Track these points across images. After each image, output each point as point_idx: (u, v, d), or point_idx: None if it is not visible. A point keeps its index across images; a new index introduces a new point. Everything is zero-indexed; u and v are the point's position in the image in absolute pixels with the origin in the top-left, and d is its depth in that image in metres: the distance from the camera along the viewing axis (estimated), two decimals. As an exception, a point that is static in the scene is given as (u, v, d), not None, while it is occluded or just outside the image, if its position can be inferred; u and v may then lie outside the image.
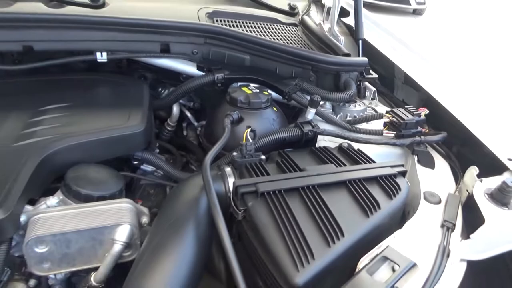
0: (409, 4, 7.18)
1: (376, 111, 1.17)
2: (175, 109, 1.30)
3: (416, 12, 7.39)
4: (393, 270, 0.68)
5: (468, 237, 0.79)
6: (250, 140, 0.89)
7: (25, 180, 0.75)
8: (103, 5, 1.18)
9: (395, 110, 1.02)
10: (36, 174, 0.78)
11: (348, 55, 1.22)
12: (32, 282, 0.80)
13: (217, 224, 0.69)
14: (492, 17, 7.64)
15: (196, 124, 1.38)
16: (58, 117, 0.94)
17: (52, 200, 0.80)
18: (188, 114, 1.38)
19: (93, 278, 0.78)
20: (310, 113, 1.06)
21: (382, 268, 0.67)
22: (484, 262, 0.77)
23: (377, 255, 0.69)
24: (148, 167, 1.09)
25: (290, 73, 1.20)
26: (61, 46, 1.08)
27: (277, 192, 0.74)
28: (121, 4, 1.21)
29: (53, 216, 0.75)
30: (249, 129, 0.91)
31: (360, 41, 1.29)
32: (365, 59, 1.20)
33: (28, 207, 0.77)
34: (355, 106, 1.17)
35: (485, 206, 0.79)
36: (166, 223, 0.74)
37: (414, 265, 0.68)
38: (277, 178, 0.78)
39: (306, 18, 1.45)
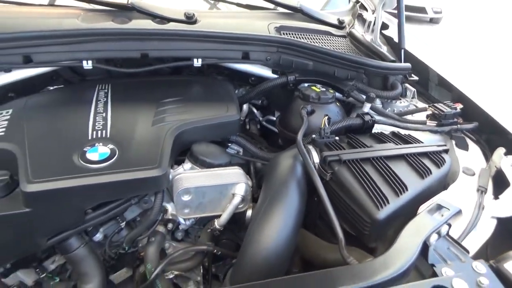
0: (426, 13, 7.43)
1: (416, 107, 1.44)
2: (245, 106, 1.59)
3: (432, 21, 7.62)
4: (442, 216, 0.94)
5: (497, 198, 1.05)
6: (327, 125, 1.16)
7: (169, 151, 1.04)
8: (195, 22, 1.47)
9: (435, 104, 1.29)
10: (173, 147, 1.07)
11: (394, 61, 1.49)
12: (169, 225, 1.09)
13: (315, 180, 0.96)
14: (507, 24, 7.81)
15: (261, 118, 1.66)
16: (175, 107, 1.22)
17: (186, 166, 1.08)
18: (255, 110, 1.66)
19: (216, 222, 1.06)
20: (366, 107, 1.33)
21: (436, 213, 0.93)
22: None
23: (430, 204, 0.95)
24: (232, 150, 1.37)
25: (346, 76, 1.47)
26: (168, 54, 1.37)
27: (355, 160, 1.02)
28: (209, 20, 1.50)
29: (192, 175, 1.04)
30: (327, 117, 1.19)
31: (402, 50, 1.56)
32: (408, 65, 1.48)
33: (170, 170, 1.06)
34: (400, 102, 1.45)
35: (511, 173, 1.05)
36: (273, 186, 1.01)
37: (460, 211, 0.94)
38: (352, 151, 1.06)
39: (353, 30, 1.73)
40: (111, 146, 1.02)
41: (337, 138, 1.15)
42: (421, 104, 1.48)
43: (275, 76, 1.47)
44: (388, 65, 1.45)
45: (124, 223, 1.07)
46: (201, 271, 1.16)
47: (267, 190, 1.01)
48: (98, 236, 1.05)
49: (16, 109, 1.15)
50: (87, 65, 1.28)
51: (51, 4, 1.52)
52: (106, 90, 1.27)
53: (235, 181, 1.05)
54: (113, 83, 1.32)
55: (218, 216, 1.08)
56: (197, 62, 1.39)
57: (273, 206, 0.96)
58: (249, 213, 1.12)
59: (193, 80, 1.45)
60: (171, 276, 1.09)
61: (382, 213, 0.89)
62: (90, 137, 1.04)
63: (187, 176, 1.04)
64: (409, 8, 6.55)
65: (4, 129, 1.05)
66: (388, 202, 0.91)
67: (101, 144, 1.02)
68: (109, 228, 1.08)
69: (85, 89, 1.29)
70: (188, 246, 1.12)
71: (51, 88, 1.37)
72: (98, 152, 0.99)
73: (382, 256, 0.76)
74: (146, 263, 1.04)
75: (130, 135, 1.07)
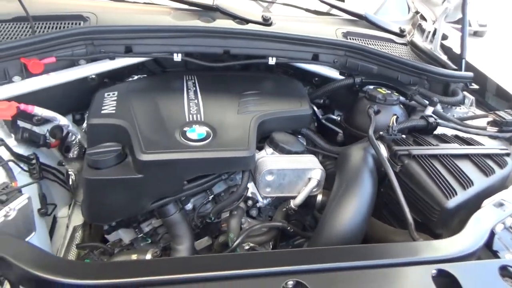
0: (470, 26, 7.33)
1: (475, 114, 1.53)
2: None
3: (477, 34, 7.52)
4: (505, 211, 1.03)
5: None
6: (395, 124, 1.27)
7: (254, 136, 1.18)
8: (271, 24, 1.61)
9: (497, 112, 1.37)
10: (256, 134, 1.21)
11: (456, 70, 1.58)
12: (249, 202, 1.23)
13: (387, 170, 1.08)
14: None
15: (321, 116, 1.78)
16: (256, 99, 1.37)
17: (268, 151, 1.22)
18: (315, 108, 1.78)
19: (292, 203, 1.19)
20: (429, 111, 1.43)
21: (500, 207, 1.03)
22: None
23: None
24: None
25: (408, 81, 1.58)
26: (247, 52, 1.52)
27: (424, 155, 1.13)
28: (283, 23, 1.64)
29: (274, 159, 1.18)
30: (395, 116, 1.29)
31: (464, 60, 1.64)
32: (470, 74, 1.56)
33: (255, 153, 1.20)
34: (460, 109, 1.53)
35: None
36: (348, 175, 1.13)
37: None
38: (421, 148, 1.16)
39: (414, 39, 1.82)
40: (206, 128, 1.17)
41: (403, 136, 1.26)
42: (478, 112, 1.56)
43: (342, 77, 1.58)
44: (451, 73, 1.54)
45: (211, 196, 1.22)
46: (270, 246, 1.29)
47: (341, 177, 1.13)
48: (189, 206, 1.21)
49: (121, 91, 1.32)
50: (177, 57, 1.45)
51: (146, 2, 1.70)
52: (193, 81, 1.43)
53: (312, 166, 1.18)
54: (198, 75, 1.48)
55: (293, 198, 1.21)
56: (272, 61, 1.53)
57: (348, 192, 1.08)
58: (319, 197, 1.24)
59: (267, 76, 1.59)
60: (246, 248, 1.23)
61: (451, 203, 0.99)
62: (187, 119, 1.20)
63: (270, 159, 1.18)
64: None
65: (114, 108, 1.22)
66: (456, 194, 1.01)
67: (197, 125, 1.17)
68: (198, 200, 1.23)
69: (174, 79, 1.45)
70: (262, 223, 1.25)
71: (136, 76, 1.54)
72: (196, 132, 1.15)
73: (454, 237, 0.87)
74: (229, 233, 1.18)
75: (220, 120, 1.22)
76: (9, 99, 1.21)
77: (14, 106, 1.16)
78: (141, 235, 1.23)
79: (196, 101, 1.30)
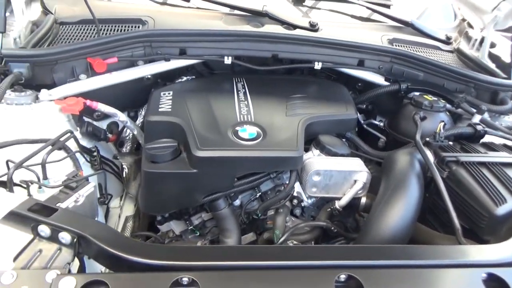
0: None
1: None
2: None
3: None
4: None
5: None
6: (442, 131, 1.28)
7: (302, 138, 1.22)
8: (318, 30, 1.65)
9: (548, 122, 1.35)
10: (304, 135, 1.25)
11: (506, 78, 1.56)
12: (294, 201, 1.28)
13: (435, 175, 1.09)
14: None
15: (363, 121, 1.80)
16: (303, 102, 1.41)
17: (315, 152, 1.26)
18: (358, 113, 1.80)
19: (337, 203, 1.23)
20: (476, 118, 1.42)
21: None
22: None
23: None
24: None
25: (455, 89, 1.57)
26: (294, 56, 1.57)
27: (472, 162, 1.13)
28: (330, 29, 1.68)
29: (321, 160, 1.22)
30: (443, 123, 1.30)
31: (513, 69, 1.62)
32: (518, 83, 1.55)
33: (302, 154, 1.24)
34: (509, 117, 1.52)
35: None
36: (394, 178, 1.15)
37: None
38: (470, 155, 1.17)
39: (461, 47, 1.81)
40: (256, 128, 1.22)
41: (450, 143, 1.27)
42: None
43: (387, 83, 1.60)
44: (500, 81, 1.53)
45: (259, 194, 1.27)
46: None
47: (388, 181, 1.16)
48: (237, 202, 1.27)
49: (176, 91, 1.40)
50: (227, 60, 1.52)
51: (199, 7, 1.78)
52: (242, 83, 1.49)
53: (359, 169, 1.21)
54: (247, 78, 1.54)
55: (338, 199, 1.24)
56: (317, 65, 1.58)
57: (395, 196, 1.10)
58: (363, 200, 1.27)
59: (313, 80, 1.63)
60: (290, 245, 1.27)
61: (501, 210, 0.99)
62: (239, 119, 1.26)
63: (318, 160, 1.22)
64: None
65: (170, 106, 1.30)
66: (506, 201, 1.01)
67: (248, 125, 1.23)
68: (245, 197, 1.29)
69: (225, 81, 1.52)
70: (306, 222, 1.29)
71: (185, 78, 1.61)
72: (247, 132, 1.20)
73: (504, 242, 0.88)
74: (275, 229, 1.23)
75: (270, 121, 1.27)
76: (76, 95, 1.31)
77: (81, 102, 1.26)
78: (191, 227, 1.30)
79: (246, 102, 1.36)
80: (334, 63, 1.60)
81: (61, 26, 1.52)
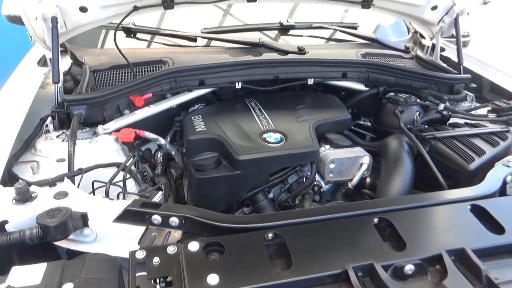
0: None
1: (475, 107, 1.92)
2: None
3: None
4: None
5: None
6: (419, 118, 1.66)
7: (315, 137, 1.55)
8: (305, 53, 2.02)
9: (494, 102, 1.76)
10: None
11: (458, 73, 1.99)
12: (315, 188, 1.60)
13: (420, 148, 1.46)
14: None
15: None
16: (307, 111, 1.75)
17: (326, 147, 1.60)
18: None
19: (350, 184, 1.56)
20: (441, 107, 1.82)
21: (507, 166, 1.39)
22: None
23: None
24: None
25: (420, 86, 1.98)
26: (291, 76, 1.93)
27: (445, 137, 1.51)
28: (314, 51, 2.06)
29: (333, 151, 1.56)
30: (418, 112, 1.69)
31: (461, 66, 2.05)
32: (469, 76, 1.97)
33: (316, 150, 1.58)
34: (464, 103, 1.93)
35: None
36: (391, 157, 1.51)
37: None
38: (443, 132, 1.55)
39: (419, 53, 2.25)
40: (279, 134, 1.55)
41: (426, 126, 1.65)
42: (480, 107, 1.95)
43: (367, 89, 1.98)
44: (454, 76, 1.96)
45: (287, 185, 1.58)
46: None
47: (387, 161, 1.52)
48: (270, 195, 1.57)
49: (203, 114, 1.71)
50: (238, 85, 1.85)
51: (204, 45, 2.12)
52: (254, 102, 1.82)
53: (362, 154, 1.56)
54: (256, 97, 1.87)
55: (349, 180, 1.57)
56: (310, 81, 1.94)
57: (395, 169, 1.46)
58: (367, 179, 1.61)
59: (309, 94, 1.99)
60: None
61: (472, 166, 1.37)
62: (262, 129, 1.58)
63: (330, 152, 1.56)
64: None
65: (204, 126, 1.61)
66: (474, 160, 1.38)
67: (271, 132, 1.55)
68: (276, 190, 1.59)
69: (238, 102, 1.84)
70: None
71: (197, 105, 1.91)
72: (273, 137, 1.52)
73: (478, 185, 1.23)
74: (305, 212, 1.54)
75: (287, 127, 1.60)
76: (125, 127, 1.59)
77: (133, 131, 1.54)
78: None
79: (263, 115, 1.68)
80: (323, 77, 1.96)
81: (95, 73, 1.81)
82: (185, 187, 1.72)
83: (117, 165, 1.40)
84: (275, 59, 1.89)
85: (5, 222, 1.00)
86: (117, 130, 1.55)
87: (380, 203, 1.17)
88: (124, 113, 1.66)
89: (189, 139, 1.56)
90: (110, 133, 1.55)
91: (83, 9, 1.63)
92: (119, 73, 1.82)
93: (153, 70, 1.84)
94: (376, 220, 1.06)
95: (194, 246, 0.95)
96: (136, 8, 1.71)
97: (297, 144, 1.50)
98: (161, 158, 1.87)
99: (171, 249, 0.97)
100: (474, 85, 2.00)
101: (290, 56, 1.97)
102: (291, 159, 1.49)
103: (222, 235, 1.02)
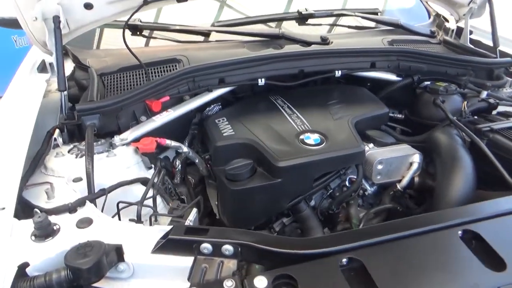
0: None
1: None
2: None
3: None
4: None
5: None
6: (466, 109, 1.51)
7: (357, 135, 1.39)
8: (329, 43, 1.85)
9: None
10: None
11: (495, 57, 1.84)
12: (360, 192, 1.44)
13: (479, 143, 1.31)
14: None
15: None
16: (340, 107, 1.58)
17: (370, 145, 1.44)
18: None
19: (399, 185, 1.40)
20: (483, 94, 1.67)
21: None
22: None
23: None
24: None
25: (455, 73, 1.82)
26: (318, 68, 1.76)
27: (503, 128, 1.36)
28: (338, 41, 1.89)
29: (380, 151, 1.40)
30: (466, 102, 1.53)
31: (498, 49, 1.90)
32: (509, 59, 1.82)
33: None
34: (506, 89, 1.79)
35: None
36: (446, 154, 1.36)
37: None
38: (499, 123, 1.42)
39: (446, 38, 2.09)
40: (317, 134, 1.38)
41: (475, 117, 1.50)
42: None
43: (399, 79, 1.82)
44: (493, 61, 1.81)
45: (330, 191, 1.42)
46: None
47: (441, 158, 1.37)
48: (312, 203, 1.41)
49: (228, 116, 1.53)
50: (261, 82, 1.67)
51: (218, 40, 1.94)
52: (280, 99, 1.65)
53: (411, 152, 1.40)
54: (282, 94, 1.70)
55: (398, 181, 1.42)
56: (338, 74, 1.77)
57: (455, 167, 1.31)
58: (416, 179, 1.45)
59: (337, 87, 1.82)
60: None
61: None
62: (298, 129, 1.41)
63: (376, 151, 1.40)
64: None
65: (232, 130, 1.44)
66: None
67: (309, 133, 1.39)
68: (317, 197, 1.43)
69: (263, 100, 1.67)
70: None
71: (212, 106, 1.73)
72: (311, 138, 1.36)
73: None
74: (352, 219, 1.38)
75: (324, 126, 1.44)
76: (143, 136, 1.41)
77: (154, 140, 1.36)
78: (276, 234, 1.42)
79: (295, 114, 1.52)
80: (351, 69, 1.80)
81: (102, 77, 1.62)
82: (211, 198, 1.55)
83: (142, 181, 1.23)
84: (300, 52, 1.72)
85: (26, 265, 0.82)
86: (136, 140, 1.37)
87: (459, 212, 1.01)
88: (141, 120, 1.48)
89: (217, 146, 1.39)
90: (128, 144, 1.37)
91: (88, 6, 1.44)
92: (129, 76, 1.64)
93: (167, 71, 1.66)
94: (460, 232, 0.91)
95: (261, 282, 0.79)
96: (146, 2, 1.52)
97: (340, 145, 1.34)
98: (180, 166, 1.69)
99: (228, 284, 0.81)
100: (514, 69, 1.85)
101: (314, 47, 1.80)
102: (336, 162, 1.33)
103: (287, 263, 0.85)
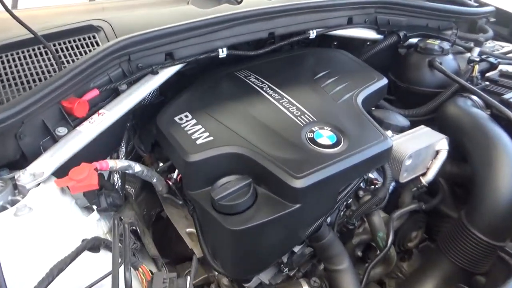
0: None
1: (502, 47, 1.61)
2: None
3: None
4: None
5: None
6: (477, 73, 1.26)
7: (374, 121, 1.06)
8: None
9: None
10: None
11: (478, 6, 1.62)
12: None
13: (507, 113, 1.08)
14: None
15: None
16: (334, 81, 1.20)
17: (389, 133, 1.12)
18: None
19: (424, 179, 1.13)
20: (475, 51, 1.46)
21: None
22: None
23: None
24: None
25: (437, 27, 1.57)
26: (290, 29, 1.33)
27: None
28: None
29: (407, 142, 1.09)
30: (477, 65, 1.29)
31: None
32: (492, 7, 1.62)
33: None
34: (489, 43, 1.60)
35: None
36: (476, 134, 1.12)
37: None
38: None
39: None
40: (329, 128, 1.01)
41: (487, 83, 1.27)
42: (505, 45, 1.64)
43: (381, 36, 1.50)
44: (477, 11, 1.58)
45: (349, 201, 1.08)
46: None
47: (470, 138, 1.11)
48: (327, 220, 1.06)
49: (192, 112, 1.06)
50: (222, 53, 1.21)
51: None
52: (253, 77, 1.22)
53: (438, 137, 1.12)
54: (249, 68, 1.26)
55: (422, 175, 1.14)
56: (313, 34, 1.38)
57: (490, 152, 1.06)
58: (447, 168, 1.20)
59: (309, 52, 1.43)
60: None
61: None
62: (300, 123, 1.02)
63: (401, 142, 1.08)
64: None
65: (208, 134, 0.98)
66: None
67: (317, 128, 1.01)
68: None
69: (230, 80, 1.22)
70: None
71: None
72: (325, 136, 0.98)
73: None
74: (377, 232, 1.08)
75: (329, 113, 1.07)
76: (68, 162, 0.88)
77: (92, 169, 0.85)
78: (287, 269, 1.05)
79: (285, 99, 1.10)
80: (327, 27, 1.42)
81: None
82: (177, 225, 1.11)
83: (89, 247, 0.74)
84: (270, 8, 1.26)
85: None
86: (61, 172, 0.84)
87: None
88: (58, 134, 0.92)
89: (190, 162, 0.93)
90: (46, 181, 0.83)
91: None
92: (18, 60, 1.02)
93: (82, 46, 1.08)
94: None
95: None
96: None
97: (362, 140, 0.99)
98: (120, 182, 1.19)
99: None
100: (493, 19, 1.67)
101: (284, 1, 1.35)
102: (363, 167, 0.98)
103: None
